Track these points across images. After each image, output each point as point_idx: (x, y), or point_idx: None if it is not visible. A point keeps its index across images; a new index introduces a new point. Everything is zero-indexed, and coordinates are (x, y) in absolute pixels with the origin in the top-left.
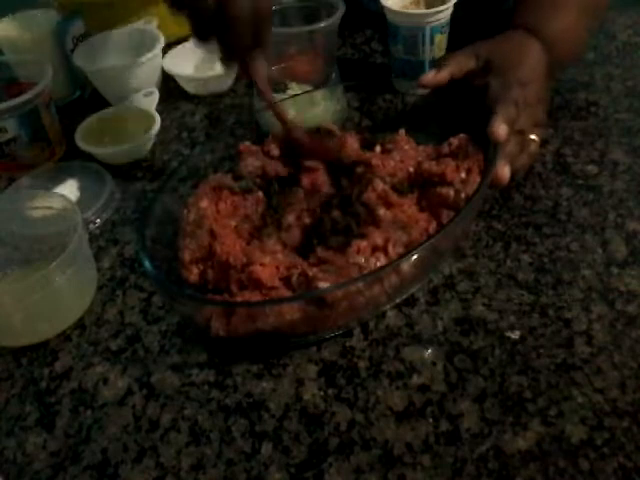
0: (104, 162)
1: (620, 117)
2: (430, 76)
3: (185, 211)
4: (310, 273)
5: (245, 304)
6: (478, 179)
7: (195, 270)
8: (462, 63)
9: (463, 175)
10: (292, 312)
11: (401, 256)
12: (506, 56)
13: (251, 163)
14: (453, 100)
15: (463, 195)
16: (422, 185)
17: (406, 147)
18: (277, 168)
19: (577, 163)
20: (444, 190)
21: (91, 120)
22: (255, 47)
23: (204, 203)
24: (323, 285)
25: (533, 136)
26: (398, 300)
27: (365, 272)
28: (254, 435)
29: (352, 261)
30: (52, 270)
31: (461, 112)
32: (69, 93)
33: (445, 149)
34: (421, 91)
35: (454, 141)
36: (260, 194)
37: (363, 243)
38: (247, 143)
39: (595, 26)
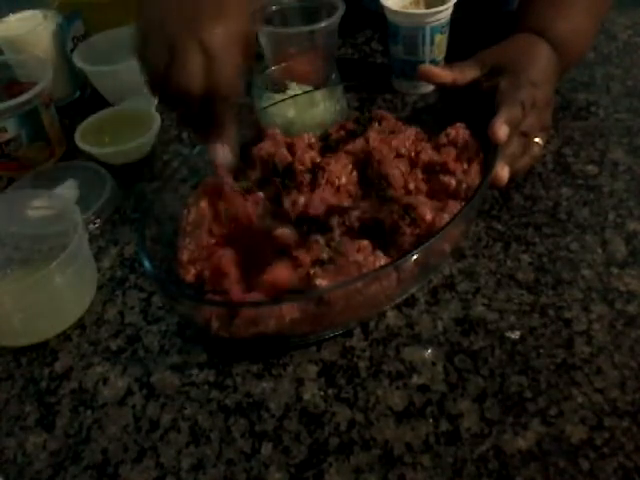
0: (104, 162)
1: (620, 117)
2: (430, 66)
3: (185, 211)
4: (311, 271)
5: (244, 304)
6: (478, 169)
7: (192, 270)
8: (466, 72)
9: (465, 166)
10: (291, 312)
11: (399, 257)
12: (516, 58)
13: (266, 147)
14: (455, 100)
15: (464, 185)
16: (424, 172)
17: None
18: (287, 161)
19: (577, 163)
20: (446, 179)
21: (91, 120)
22: (212, 126)
23: (204, 203)
24: (321, 283)
25: (537, 139)
26: (398, 300)
27: (364, 271)
28: (254, 435)
29: (352, 259)
30: (52, 270)
31: (463, 112)
32: (69, 93)
33: (443, 139)
34: (422, 90)
35: (451, 131)
36: (260, 194)
37: (364, 242)
38: (277, 130)
39: (599, 26)
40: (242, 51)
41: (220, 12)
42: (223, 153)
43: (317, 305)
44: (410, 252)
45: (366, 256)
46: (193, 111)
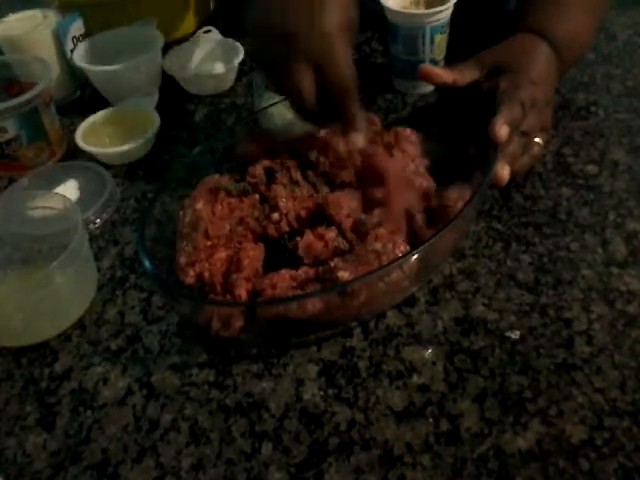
0: (104, 162)
1: (620, 117)
2: (430, 67)
3: (181, 213)
4: (332, 263)
5: (246, 304)
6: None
7: (191, 273)
8: (466, 72)
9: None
10: (313, 304)
11: (398, 258)
12: (516, 58)
13: (247, 149)
14: (455, 100)
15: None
16: None
17: (408, 147)
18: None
19: (577, 163)
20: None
21: (91, 120)
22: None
23: (199, 205)
24: (343, 274)
25: (537, 139)
26: (399, 300)
27: (384, 259)
28: (254, 435)
29: (370, 248)
30: (52, 270)
31: (463, 112)
32: (69, 93)
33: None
34: (422, 90)
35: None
36: (257, 197)
37: (381, 230)
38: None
39: (599, 25)
40: (348, 36)
41: (321, 5)
42: (358, 140)
43: (340, 296)
44: (409, 253)
45: (385, 244)
46: (315, 112)
